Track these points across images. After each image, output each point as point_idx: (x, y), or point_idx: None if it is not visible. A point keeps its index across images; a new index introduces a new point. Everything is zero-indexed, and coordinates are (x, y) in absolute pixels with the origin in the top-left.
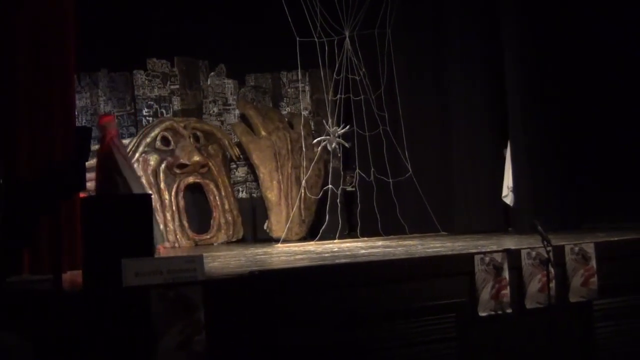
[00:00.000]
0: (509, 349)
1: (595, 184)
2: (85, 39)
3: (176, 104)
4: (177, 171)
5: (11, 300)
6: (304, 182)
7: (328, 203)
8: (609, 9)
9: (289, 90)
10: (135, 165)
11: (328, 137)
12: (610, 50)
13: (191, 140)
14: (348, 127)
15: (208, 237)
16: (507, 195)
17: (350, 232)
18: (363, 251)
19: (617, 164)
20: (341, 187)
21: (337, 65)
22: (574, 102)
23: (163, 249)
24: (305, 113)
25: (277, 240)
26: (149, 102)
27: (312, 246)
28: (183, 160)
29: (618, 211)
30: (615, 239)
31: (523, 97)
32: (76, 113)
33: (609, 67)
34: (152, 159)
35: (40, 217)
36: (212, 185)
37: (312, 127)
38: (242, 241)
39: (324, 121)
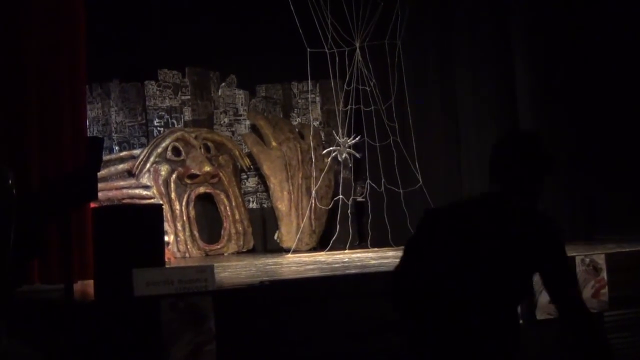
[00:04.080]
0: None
1: (607, 194)
2: (97, 49)
3: (187, 114)
4: (188, 181)
5: (22, 310)
6: (314, 192)
7: (338, 213)
8: (621, 10)
9: (299, 101)
10: (147, 176)
11: (338, 147)
12: (624, 54)
13: (202, 150)
14: (358, 137)
15: (218, 247)
16: None
17: (360, 243)
18: (373, 261)
19: (630, 173)
20: (352, 197)
21: (347, 76)
22: (587, 111)
23: (174, 259)
24: (315, 124)
25: (287, 251)
26: (160, 113)
27: (323, 256)
28: (194, 171)
29: (630, 222)
30: (627, 250)
31: (534, 106)
32: (88, 123)
33: (624, 72)
34: (163, 169)
35: (51, 227)
36: (222, 196)
37: (323, 137)
38: (252, 251)
39: (334, 132)
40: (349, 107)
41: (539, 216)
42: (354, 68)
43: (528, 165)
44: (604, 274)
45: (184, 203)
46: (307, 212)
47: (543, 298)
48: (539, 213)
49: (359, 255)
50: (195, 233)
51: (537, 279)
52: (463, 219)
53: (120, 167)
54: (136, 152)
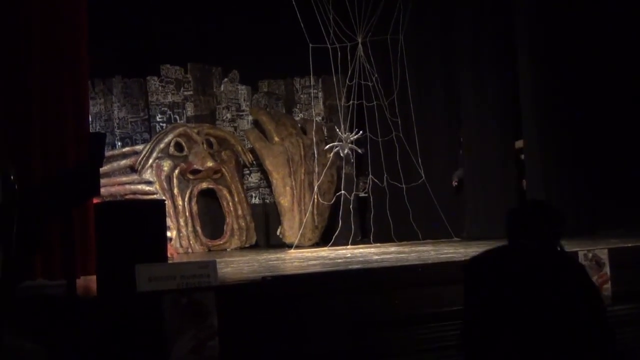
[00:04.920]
0: None
1: (610, 190)
2: (100, 45)
3: (189, 110)
4: (191, 177)
5: (25, 305)
6: (316, 188)
7: (341, 209)
8: (624, 10)
9: (301, 96)
10: (149, 171)
11: (341, 143)
12: (626, 54)
13: (204, 146)
14: (361, 133)
15: (221, 242)
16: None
17: (363, 238)
18: (376, 257)
19: (633, 169)
20: (354, 192)
21: (349, 71)
22: (590, 107)
23: (176, 255)
24: (318, 119)
25: (290, 246)
26: (162, 108)
27: (325, 252)
28: (196, 166)
29: (633, 217)
30: (630, 245)
31: (537, 101)
32: (90, 119)
33: (626, 72)
34: (166, 165)
35: (54, 223)
36: (225, 191)
37: (325, 133)
38: (255, 247)
39: (336, 127)
40: (351, 102)
41: (569, 258)
42: (356, 63)
43: (550, 228)
44: (607, 269)
45: (186, 198)
46: (310, 207)
47: None
48: (567, 256)
49: (361, 250)
50: (198, 229)
51: None
52: (509, 269)
53: (123, 162)
54: (139, 147)
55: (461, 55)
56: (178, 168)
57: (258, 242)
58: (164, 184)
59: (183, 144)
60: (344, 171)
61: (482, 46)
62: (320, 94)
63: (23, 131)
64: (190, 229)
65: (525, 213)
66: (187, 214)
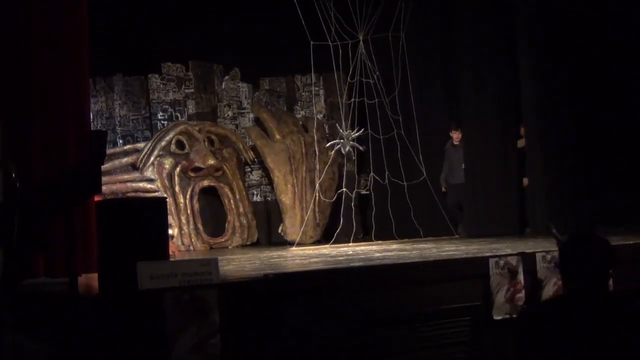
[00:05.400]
0: None
1: (611, 188)
2: (101, 43)
3: (191, 107)
4: (192, 175)
5: (26, 303)
6: (318, 185)
7: (342, 206)
8: (624, 10)
9: (303, 93)
10: (151, 169)
11: (342, 140)
12: (628, 52)
13: (206, 143)
14: (362, 130)
15: (223, 240)
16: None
17: (364, 236)
18: (377, 254)
19: (633, 167)
20: (355, 190)
21: (351, 69)
22: (590, 106)
23: (178, 252)
24: (319, 116)
25: (291, 244)
26: (163, 106)
27: (327, 249)
28: (198, 164)
29: (634, 215)
30: (631, 242)
31: (537, 101)
32: (91, 117)
33: (628, 70)
34: (167, 163)
35: (56, 221)
36: (226, 189)
37: (327, 130)
38: (256, 244)
39: (338, 124)
40: (352, 99)
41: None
42: (358, 61)
43: (605, 267)
44: None
45: (188, 196)
46: (311, 205)
47: (547, 290)
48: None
49: (362, 248)
50: (200, 226)
51: (544, 265)
52: (572, 318)
53: (124, 160)
54: (140, 145)
55: (461, 55)
56: (179, 166)
57: (259, 240)
58: (166, 181)
59: (184, 141)
60: (345, 169)
61: (482, 46)
62: (321, 92)
63: (24, 130)
64: (191, 226)
65: (581, 254)
66: (188, 211)
